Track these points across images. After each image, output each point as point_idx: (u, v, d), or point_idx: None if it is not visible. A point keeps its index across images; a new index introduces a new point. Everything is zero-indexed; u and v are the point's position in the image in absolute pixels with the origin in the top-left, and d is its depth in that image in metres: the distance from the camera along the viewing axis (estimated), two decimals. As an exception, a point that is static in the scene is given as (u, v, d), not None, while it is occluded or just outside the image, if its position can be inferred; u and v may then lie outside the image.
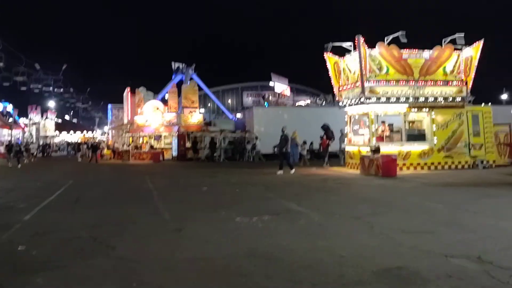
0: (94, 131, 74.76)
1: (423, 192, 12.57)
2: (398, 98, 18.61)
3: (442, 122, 19.16)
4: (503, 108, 31.94)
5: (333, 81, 20.84)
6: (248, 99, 68.67)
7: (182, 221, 8.54)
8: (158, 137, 36.39)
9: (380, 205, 10.03)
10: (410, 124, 19.72)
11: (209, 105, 63.79)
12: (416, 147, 18.84)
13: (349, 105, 19.78)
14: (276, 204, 10.44)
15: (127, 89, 42.61)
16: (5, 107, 49.89)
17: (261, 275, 5.11)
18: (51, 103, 67.73)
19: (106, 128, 69.67)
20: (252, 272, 5.22)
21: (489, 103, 27.55)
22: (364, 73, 18.11)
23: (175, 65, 45.64)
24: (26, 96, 58.19)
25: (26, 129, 54.74)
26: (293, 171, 18.14)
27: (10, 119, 50.03)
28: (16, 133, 49.59)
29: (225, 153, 31.73)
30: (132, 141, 37.30)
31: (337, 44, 19.69)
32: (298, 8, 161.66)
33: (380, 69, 18.45)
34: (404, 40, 18.67)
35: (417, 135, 19.32)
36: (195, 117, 36.00)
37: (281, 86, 58.79)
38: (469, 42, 19.36)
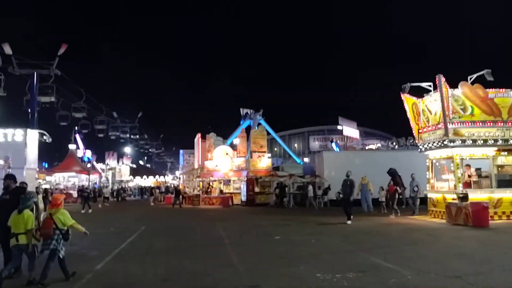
0: (166, 176, 77.03)
1: (527, 246, 10.97)
2: (485, 141, 17.01)
3: (536, 166, 17.18)
4: None
5: (412, 123, 19.64)
6: (315, 143, 68.04)
7: (257, 275, 7.86)
8: (227, 182, 36.37)
9: (479, 262, 8.77)
10: (499, 169, 17.85)
11: (275, 149, 63.75)
12: (508, 194, 16.91)
13: (431, 148, 18.41)
14: (359, 258, 9.45)
15: (198, 135, 43.60)
16: (84, 153, 52.95)
17: None
18: (127, 149, 71.13)
19: (177, 173, 71.65)
20: None
21: None
22: (446, 114, 16.85)
23: (243, 111, 46.36)
24: (104, 143, 61.61)
25: (103, 174, 57.49)
26: (349, 222, 16.50)
27: (89, 165, 52.83)
28: (94, 178, 52.16)
29: (294, 199, 30.84)
30: (202, 186, 37.61)
31: (415, 84, 18.66)
32: (362, 52, 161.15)
33: (464, 109, 17.08)
34: (490, 78, 17.31)
35: (509, 181, 17.39)
36: (264, 161, 35.67)
37: (349, 130, 57.50)
38: None
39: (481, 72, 17.48)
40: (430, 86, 18.41)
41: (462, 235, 13.13)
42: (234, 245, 11.73)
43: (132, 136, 58.70)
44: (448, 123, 16.86)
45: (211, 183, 36.87)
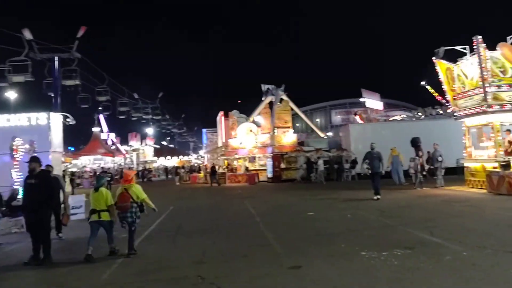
0: (190, 155, 77.21)
1: None
2: (527, 104, 15.94)
3: None
4: None
5: (446, 89, 18.62)
6: (337, 118, 66.92)
7: (297, 255, 7.35)
8: (252, 159, 35.95)
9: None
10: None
11: (297, 125, 62.85)
12: (553, 161, 15.89)
13: (467, 115, 17.44)
14: (402, 233, 8.84)
15: (221, 113, 43.12)
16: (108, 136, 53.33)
17: None
18: (150, 130, 71.27)
19: (201, 152, 71.69)
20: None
21: None
22: (485, 77, 15.80)
23: (264, 87, 45.46)
24: (126, 125, 61.80)
25: (127, 156, 57.85)
26: (377, 197, 15.18)
27: (113, 147, 53.18)
28: (118, 159, 52.54)
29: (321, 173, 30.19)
30: (227, 164, 37.29)
31: (449, 48, 17.59)
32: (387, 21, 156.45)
33: (504, 72, 15.96)
34: (531, 37, 16.10)
35: (553, 147, 16.35)
36: (289, 137, 34.99)
37: (372, 102, 56.09)
38: None
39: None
40: (465, 49, 17.31)
41: (508, 205, 12.33)
42: (266, 223, 11.26)
43: (154, 117, 58.74)
44: (487, 87, 15.82)
45: (231, 162, 36.49)
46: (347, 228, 9.88)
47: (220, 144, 43.61)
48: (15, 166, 12.39)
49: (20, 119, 16.84)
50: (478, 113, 16.68)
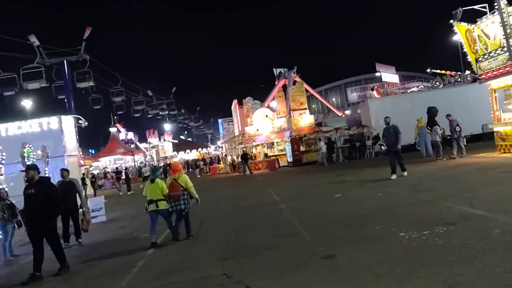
0: (208, 147, 77.06)
1: None
2: (557, 59, 14.89)
3: None
4: None
5: (468, 52, 17.61)
6: (353, 95, 65.91)
7: (328, 243, 6.79)
8: (270, 145, 35.36)
9: None
10: None
11: (313, 106, 61.92)
12: None
13: (492, 77, 16.47)
14: (441, 208, 8.16)
15: (235, 102, 42.53)
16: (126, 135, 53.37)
17: None
18: (167, 126, 71.27)
19: (219, 143, 71.40)
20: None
21: None
22: (509, 34, 14.79)
23: (276, 71, 44.69)
24: (143, 122, 61.84)
25: (147, 153, 57.89)
26: (405, 173, 13.98)
27: (132, 145, 53.21)
28: (138, 158, 52.54)
29: (342, 153, 29.47)
30: (246, 152, 36.77)
31: (467, 8, 16.59)
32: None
33: (530, 27, 14.93)
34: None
35: None
36: (306, 118, 34.20)
37: (388, 76, 54.74)
38: None
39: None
40: (485, 7, 16.31)
41: (548, 168, 11.52)
42: (292, 210, 10.71)
43: (170, 112, 58.61)
44: (513, 45, 14.82)
45: (248, 150, 35.78)
46: (379, 208, 9.23)
47: (237, 133, 43.10)
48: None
49: (32, 125, 16.58)
50: (503, 74, 15.70)
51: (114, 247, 9.38)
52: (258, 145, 35.81)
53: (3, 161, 11.59)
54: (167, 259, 7.46)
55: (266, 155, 33.59)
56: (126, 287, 6.07)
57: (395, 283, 4.59)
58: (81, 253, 9.34)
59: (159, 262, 7.34)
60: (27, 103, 37.11)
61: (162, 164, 55.69)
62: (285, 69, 44.49)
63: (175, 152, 69.57)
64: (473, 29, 17.04)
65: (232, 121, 48.38)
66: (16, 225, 9.98)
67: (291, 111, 34.37)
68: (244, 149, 34.98)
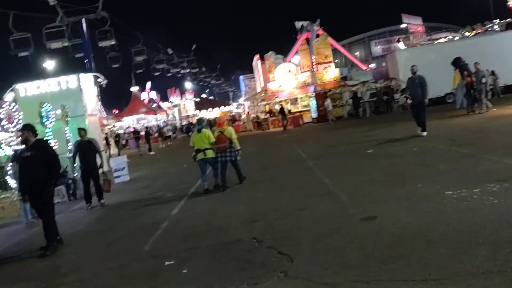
0: (230, 105, 76.44)
1: None
2: None
3: None
4: None
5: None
6: (377, 48, 63.42)
7: (366, 203, 6.19)
8: (294, 101, 34.40)
9: None
10: None
11: (336, 60, 60.07)
12: None
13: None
14: (488, 163, 7.38)
15: (256, 57, 41.30)
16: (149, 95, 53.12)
17: None
18: (188, 84, 70.59)
19: (240, 100, 70.65)
20: None
21: None
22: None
23: (298, 24, 42.98)
24: (164, 81, 61.23)
25: (169, 112, 57.74)
26: (425, 133, 12.33)
27: (154, 105, 53.03)
28: (161, 117, 52.45)
29: (369, 107, 28.42)
30: (269, 108, 36.00)
31: None
32: None
33: None
34: None
35: None
36: (331, 72, 32.94)
37: (414, 27, 52.24)
38: None
39: None
40: None
41: None
42: (322, 167, 10.11)
43: (191, 70, 57.86)
44: None
45: (272, 107, 34.87)
46: (418, 163, 8.51)
47: (259, 90, 42.16)
48: (47, 134, 11.76)
49: (50, 84, 16.15)
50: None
51: (137, 208, 9.02)
52: (281, 101, 34.91)
53: (20, 121, 11.21)
54: (192, 220, 7.03)
55: (289, 111, 32.64)
56: (149, 252, 5.64)
57: (453, 252, 3.96)
58: (103, 215, 9.05)
59: (184, 223, 6.92)
60: (49, 64, 36.82)
61: (185, 122, 55.63)
62: (307, 22, 42.74)
63: (197, 111, 69.31)
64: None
65: (254, 78, 47.35)
66: None
67: (316, 65, 33.15)
68: (281, 104, 33.40)
